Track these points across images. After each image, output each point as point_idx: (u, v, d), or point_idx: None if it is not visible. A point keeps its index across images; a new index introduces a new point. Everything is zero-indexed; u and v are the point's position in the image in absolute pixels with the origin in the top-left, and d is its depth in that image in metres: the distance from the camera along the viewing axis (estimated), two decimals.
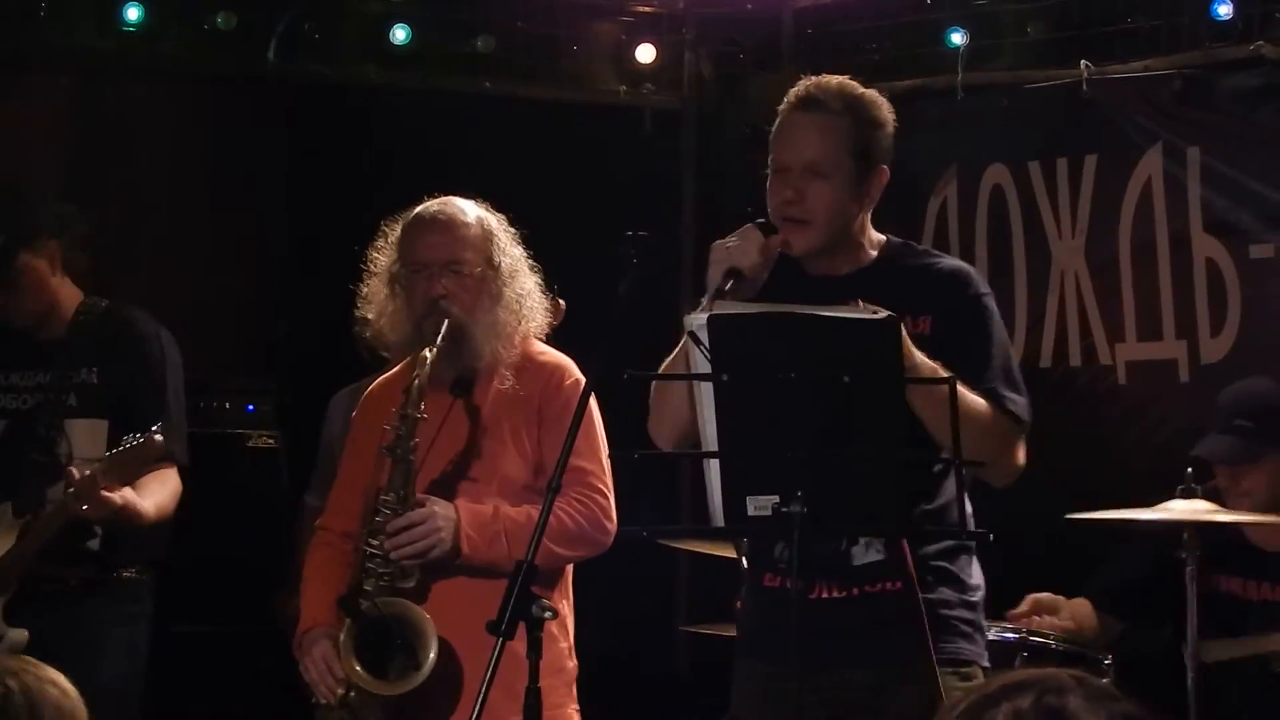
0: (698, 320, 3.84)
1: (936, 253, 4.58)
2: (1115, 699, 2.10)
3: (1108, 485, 5.87)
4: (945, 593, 4.28)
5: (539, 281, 5.00)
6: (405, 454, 4.79)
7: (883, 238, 4.47)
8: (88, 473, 5.27)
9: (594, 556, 4.93)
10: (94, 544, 5.46)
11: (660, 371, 4.28)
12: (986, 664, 4.38)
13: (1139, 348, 6.68)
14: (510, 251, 4.98)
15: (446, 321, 4.82)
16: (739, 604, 4.99)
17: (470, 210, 4.99)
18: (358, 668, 4.72)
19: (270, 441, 7.22)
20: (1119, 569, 5.91)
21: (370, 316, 5.02)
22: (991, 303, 4.39)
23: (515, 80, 7.50)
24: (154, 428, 5.31)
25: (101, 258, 5.85)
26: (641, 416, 4.44)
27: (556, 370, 4.92)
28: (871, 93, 4.45)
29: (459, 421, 4.92)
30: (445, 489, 4.87)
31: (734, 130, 7.74)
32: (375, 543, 4.78)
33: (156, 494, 5.46)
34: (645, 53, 7.64)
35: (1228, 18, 6.46)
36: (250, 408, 7.27)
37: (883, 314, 3.85)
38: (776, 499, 3.72)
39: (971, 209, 7.07)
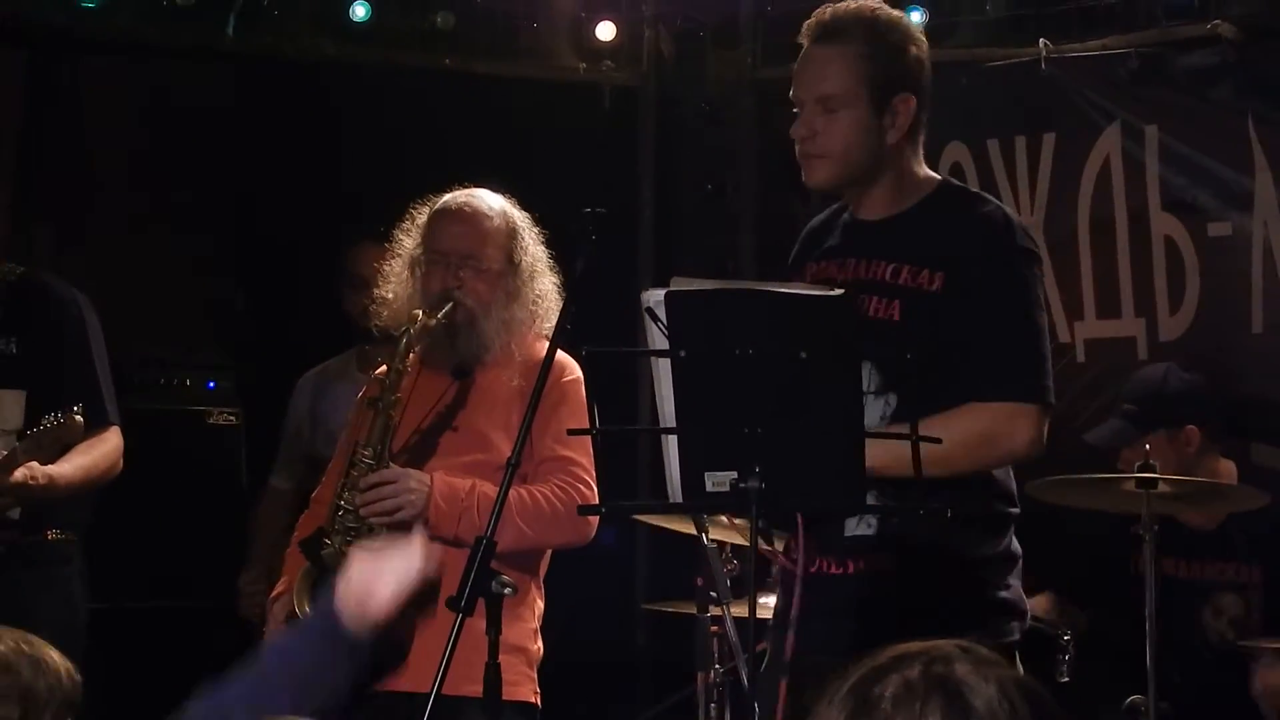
0: (655, 296, 3.80)
1: (987, 198, 4.32)
2: (1001, 666, 2.15)
3: (1065, 462, 5.88)
4: (947, 574, 4.10)
5: (556, 282, 5.00)
6: (387, 406, 4.80)
7: (936, 179, 4.30)
8: (2, 452, 5.21)
9: (577, 544, 4.93)
10: (14, 513, 5.39)
11: None
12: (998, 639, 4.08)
13: (1098, 325, 6.70)
14: (532, 250, 4.99)
15: (451, 303, 4.84)
16: (700, 582, 4.99)
17: (496, 204, 5.00)
18: (309, 611, 4.72)
19: (230, 419, 7.20)
20: (1076, 560, 5.96)
21: (389, 296, 5.04)
22: (1026, 259, 4.14)
23: (474, 57, 7.49)
24: (75, 408, 5.21)
25: (59, 231, 5.79)
26: (599, 393, 4.42)
27: (555, 367, 4.90)
28: (892, 14, 4.24)
29: (455, 403, 4.93)
30: (431, 463, 4.88)
31: (693, 108, 7.74)
32: (347, 496, 4.79)
33: (82, 457, 5.37)
34: (605, 30, 7.63)
35: None
36: (210, 384, 7.24)
37: (837, 291, 3.80)
38: (734, 474, 3.72)
39: None
